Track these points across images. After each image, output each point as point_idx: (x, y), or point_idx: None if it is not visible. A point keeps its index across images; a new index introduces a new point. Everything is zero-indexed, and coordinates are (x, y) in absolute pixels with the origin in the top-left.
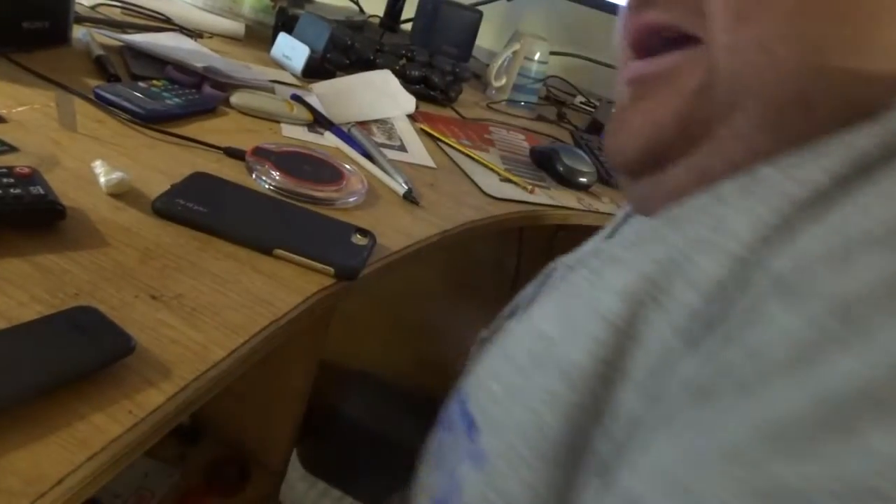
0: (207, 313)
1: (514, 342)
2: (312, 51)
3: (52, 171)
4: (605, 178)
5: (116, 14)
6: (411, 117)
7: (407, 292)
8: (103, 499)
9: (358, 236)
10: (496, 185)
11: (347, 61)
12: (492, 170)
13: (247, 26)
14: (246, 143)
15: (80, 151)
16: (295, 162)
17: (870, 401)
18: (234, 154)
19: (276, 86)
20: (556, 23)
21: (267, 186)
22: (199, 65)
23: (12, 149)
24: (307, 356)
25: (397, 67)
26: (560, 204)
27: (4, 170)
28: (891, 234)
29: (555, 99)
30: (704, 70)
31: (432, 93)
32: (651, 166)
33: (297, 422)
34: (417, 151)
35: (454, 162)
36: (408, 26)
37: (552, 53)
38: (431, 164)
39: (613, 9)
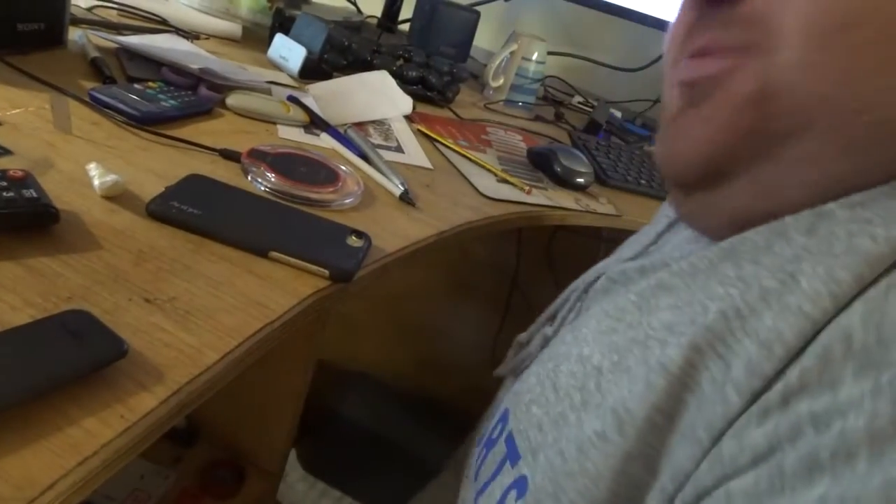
0: (201, 316)
1: (557, 364)
2: (309, 52)
3: (46, 174)
4: (602, 179)
5: (112, 16)
6: (408, 118)
7: (407, 293)
8: (97, 502)
9: (353, 238)
10: (493, 186)
11: (344, 62)
12: (489, 171)
13: (244, 27)
14: (242, 145)
15: (75, 154)
16: (291, 164)
17: None
18: (230, 156)
19: (273, 87)
20: (554, 23)
21: (262, 188)
22: (194, 66)
23: (6, 151)
24: (303, 358)
25: (394, 68)
26: (557, 205)
27: None
28: None
29: (552, 99)
30: (758, 78)
31: (429, 93)
32: (709, 180)
33: (293, 424)
34: (414, 152)
35: (451, 163)
36: (405, 27)
37: (550, 53)
38: (428, 165)
39: (612, 9)
